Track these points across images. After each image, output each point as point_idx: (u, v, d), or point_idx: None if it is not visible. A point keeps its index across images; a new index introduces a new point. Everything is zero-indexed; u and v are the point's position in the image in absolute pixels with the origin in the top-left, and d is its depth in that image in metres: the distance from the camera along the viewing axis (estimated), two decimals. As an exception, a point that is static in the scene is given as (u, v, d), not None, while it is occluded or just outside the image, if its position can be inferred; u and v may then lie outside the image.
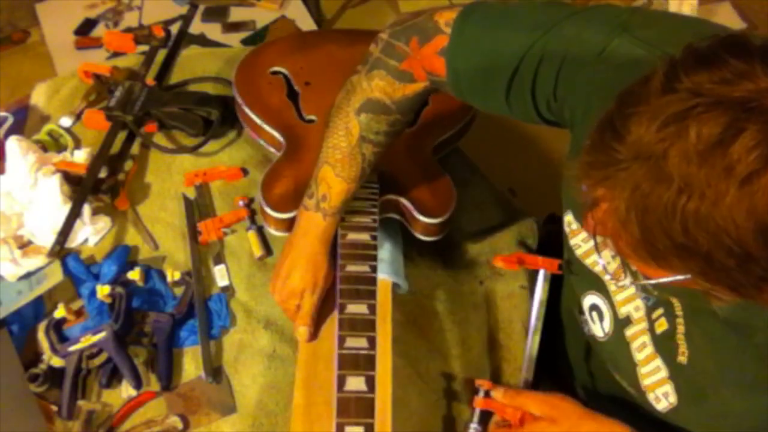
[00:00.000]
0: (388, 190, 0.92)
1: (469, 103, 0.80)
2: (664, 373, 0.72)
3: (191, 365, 0.90)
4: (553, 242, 1.05)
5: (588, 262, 0.78)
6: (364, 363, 0.75)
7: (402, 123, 0.84)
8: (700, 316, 0.67)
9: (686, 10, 1.62)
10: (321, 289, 0.85)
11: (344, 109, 0.83)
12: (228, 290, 0.96)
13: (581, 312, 0.83)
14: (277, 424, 0.85)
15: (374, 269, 0.83)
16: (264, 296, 0.95)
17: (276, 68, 1.09)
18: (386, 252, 0.91)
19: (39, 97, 1.18)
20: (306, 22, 1.91)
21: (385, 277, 0.87)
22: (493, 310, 0.97)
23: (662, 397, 0.72)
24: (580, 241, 0.79)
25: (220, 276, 0.97)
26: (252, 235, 1.00)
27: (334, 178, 0.83)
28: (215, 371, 0.88)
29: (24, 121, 1.15)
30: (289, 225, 0.92)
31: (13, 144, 1.01)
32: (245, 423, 0.85)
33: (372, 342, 0.77)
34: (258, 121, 1.02)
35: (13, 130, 1.13)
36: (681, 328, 0.69)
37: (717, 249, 0.47)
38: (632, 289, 0.75)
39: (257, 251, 0.98)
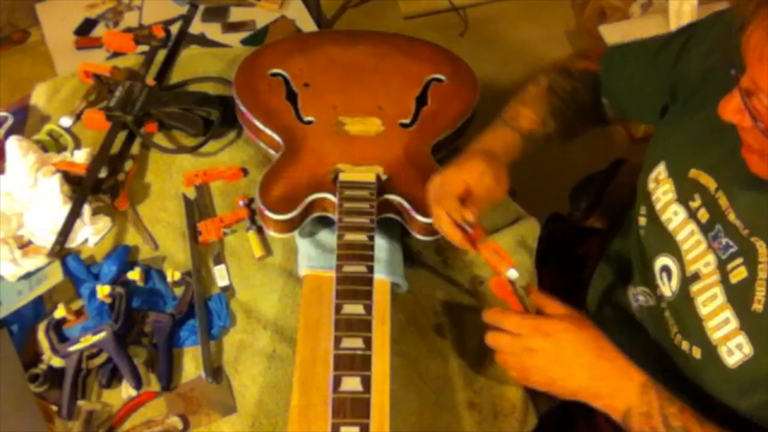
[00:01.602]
0: (386, 190, 0.92)
1: (610, 86, 0.94)
2: (734, 324, 0.72)
3: (191, 365, 0.90)
4: (555, 242, 1.05)
5: (664, 218, 0.81)
6: (360, 363, 0.75)
7: (581, 95, 0.95)
8: None
9: (686, 10, 1.62)
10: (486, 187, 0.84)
11: (534, 77, 0.97)
12: (228, 290, 0.96)
13: (640, 282, 0.85)
14: (277, 424, 0.85)
15: (371, 269, 0.83)
16: (264, 296, 0.96)
17: (275, 70, 1.09)
18: (385, 252, 0.91)
19: (39, 97, 1.18)
20: (306, 22, 1.90)
21: (383, 277, 0.87)
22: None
23: (735, 349, 0.72)
24: (660, 194, 0.83)
25: (220, 276, 0.97)
26: (252, 235, 1.00)
27: (522, 107, 0.94)
28: (215, 371, 0.88)
29: (24, 121, 1.15)
30: (288, 227, 0.92)
31: (13, 144, 1.01)
32: (245, 423, 0.85)
33: (368, 342, 0.77)
34: (257, 123, 1.02)
35: (13, 130, 1.13)
36: (763, 274, 0.70)
37: None
38: (703, 247, 0.77)
39: (257, 251, 0.99)
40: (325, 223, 0.96)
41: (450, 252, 1.02)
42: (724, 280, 0.74)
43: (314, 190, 0.92)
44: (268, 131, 1.01)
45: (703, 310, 0.75)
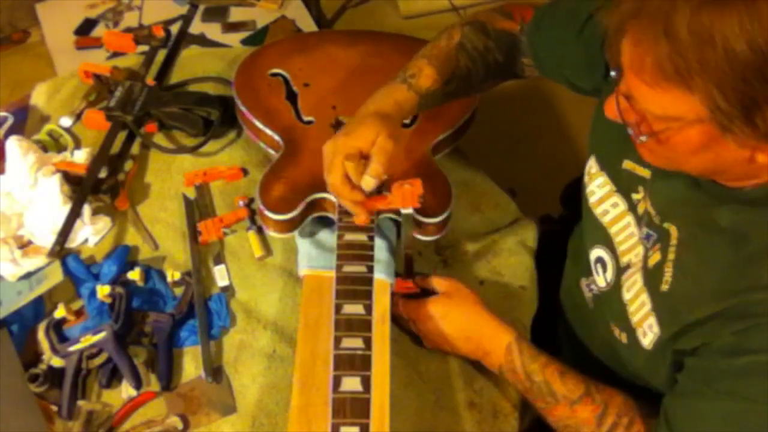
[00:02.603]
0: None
1: (536, 52, 0.91)
2: (648, 306, 0.75)
3: (191, 365, 0.90)
4: (546, 242, 1.06)
5: (598, 211, 0.84)
6: (360, 363, 0.75)
7: (493, 55, 0.92)
8: (695, 233, 0.71)
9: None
10: (384, 149, 0.80)
11: (449, 28, 0.93)
12: (228, 290, 0.96)
13: (588, 274, 0.87)
14: (277, 424, 0.85)
15: (371, 269, 0.83)
16: (264, 296, 0.96)
17: (275, 70, 1.09)
18: (385, 252, 0.91)
19: (39, 97, 1.18)
20: (306, 22, 1.90)
21: (383, 277, 0.87)
22: (493, 309, 0.97)
23: (648, 329, 0.75)
24: (595, 187, 0.84)
25: (220, 276, 0.97)
26: (252, 235, 1.00)
27: (426, 65, 0.90)
28: (215, 371, 0.89)
29: (24, 121, 1.15)
30: (287, 227, 0.92)
31: (13, 144, 1.01)
32: (245, 423, 0.85)
33: (368, 342, 0.77)
34: (257, 123, 1.02)
35: (13, 130, 1.13)
36: (671, 256, 0.73)
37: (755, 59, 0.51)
38: (635, 238, 0.79)
39: (257, 251, 0.99)
40: (325, 223, 0.96)
41: (450, 252, 1.02)
42: (644, 266, 0.77)
43: (314, 190, 0.92)
44: (268, 131, 1.01)
45: (627, 296, 0.79)
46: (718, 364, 0.68)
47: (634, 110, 0.63)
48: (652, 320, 0.75)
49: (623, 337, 0.80)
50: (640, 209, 0.79)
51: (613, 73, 0.64)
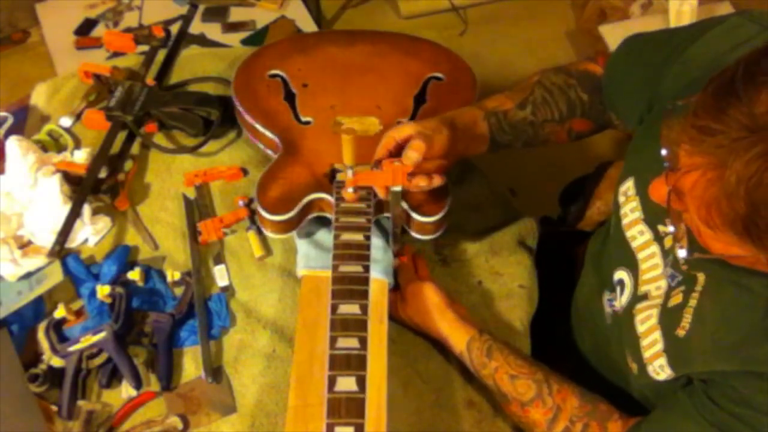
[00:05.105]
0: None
1: (608, 82, 0.91)
2: (659, 345, 0.74)
3: (191, 365, 0.90)
4: (544, 244, 1.05)
5: (629, 234, 0.82)
6: (355, 363, 0.75)
7: (575, 91, 0.92)
8: (724, 287, 0.69)
9: (686, 10, 1.62)
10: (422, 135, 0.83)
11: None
12: (228, 290, 0.96)
13: (611, 289, 0.86)
14: (276, 424, 0.85)
15: (367, 269, 0.83)
16: (264, 296, 0.96)
17: (274, 71, 1.09)
18: (382, 252, 0.91)
19: (39, 97, 1.18)
20: (306, 22, 1.91)
21: (380, 277, 0.88)
22: (492, 309, 0.97)
23: (659, 369, 0.75)
24: (628, 210, 0.82)
25: (220, 276, 0.97)
26: (252, 235, 1.00)
27: (499, 95, 0.93)
28: (215, 371, 0.89)
29: (24, 121, 1.15)
30: (285, 227, 0.92)
31: (13, 144, 1.01)
32: (245, 423, 0.86)
33: (363, 342, 0.76)
34: (255, 125, 1.02)
35: (13, 130, 1.13)
36: (693, 302, 0.71)
37: None
38: (659, 270, 0.77)
39: (257, 251, 0.99)
40: (324, 223, 0.96)
41: (449, 251, 1.02)
42: (664, 303, 0.75)
43: (312, 190, 0.92)
44: (266, 133, 1.01)
45: (640, 328, 0.78)
46: (719, 401, 0.68)
47: (680, 201, 0.59)
48: (662, 361, 0.74)
49: (634, 368, 0.79)
50: (667, 243, 0.77)
51: (664, 152, 0.59)
